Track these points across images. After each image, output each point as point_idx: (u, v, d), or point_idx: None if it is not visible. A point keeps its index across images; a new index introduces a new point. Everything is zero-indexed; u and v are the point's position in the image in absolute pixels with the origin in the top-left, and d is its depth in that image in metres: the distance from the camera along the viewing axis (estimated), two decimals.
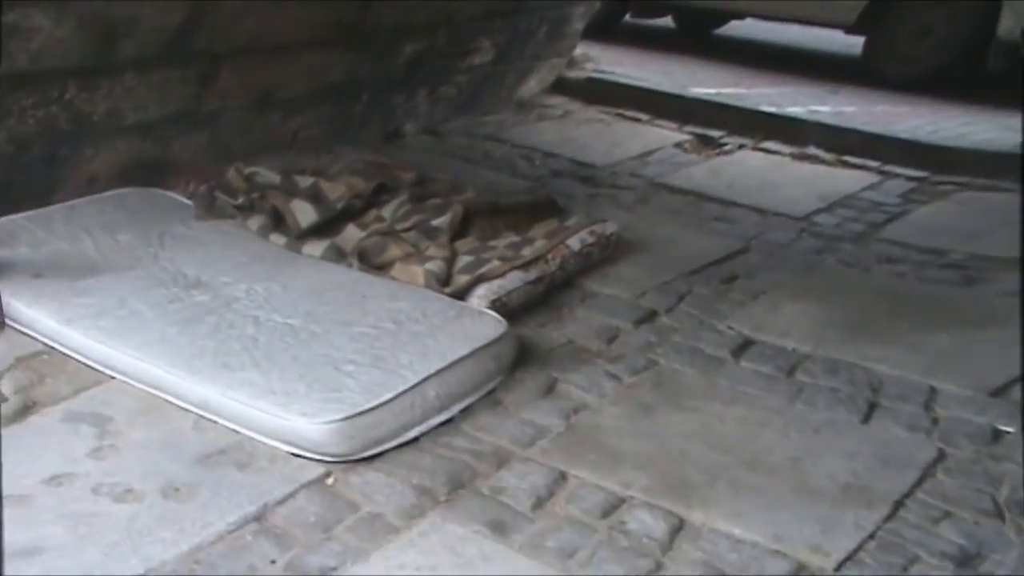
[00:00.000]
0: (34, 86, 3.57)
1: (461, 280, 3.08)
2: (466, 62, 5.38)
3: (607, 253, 3.52)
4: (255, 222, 3.54)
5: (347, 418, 2.36)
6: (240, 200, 3.73)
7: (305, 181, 3.80)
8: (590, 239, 3.42)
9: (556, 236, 3.37)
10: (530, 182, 4.46)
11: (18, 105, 3.56)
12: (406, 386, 2.48)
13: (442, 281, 3.07)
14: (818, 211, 4.32)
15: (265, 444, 2.42)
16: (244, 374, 2.57)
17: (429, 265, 3.10)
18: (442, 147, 5.09)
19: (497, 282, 3.08)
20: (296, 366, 2.59)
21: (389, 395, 2.45)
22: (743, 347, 3.04)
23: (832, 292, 3.45)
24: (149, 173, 4.09)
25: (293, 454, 2.38)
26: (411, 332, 2.77)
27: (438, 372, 2.56)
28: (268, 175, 3.86)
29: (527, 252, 3.26)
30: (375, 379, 2.51)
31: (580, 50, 6.43)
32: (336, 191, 3.68)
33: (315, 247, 3.36)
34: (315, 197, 3.67)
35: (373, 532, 2.11)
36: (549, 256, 3.26)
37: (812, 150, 5.07)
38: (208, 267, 3.27)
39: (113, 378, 2.75)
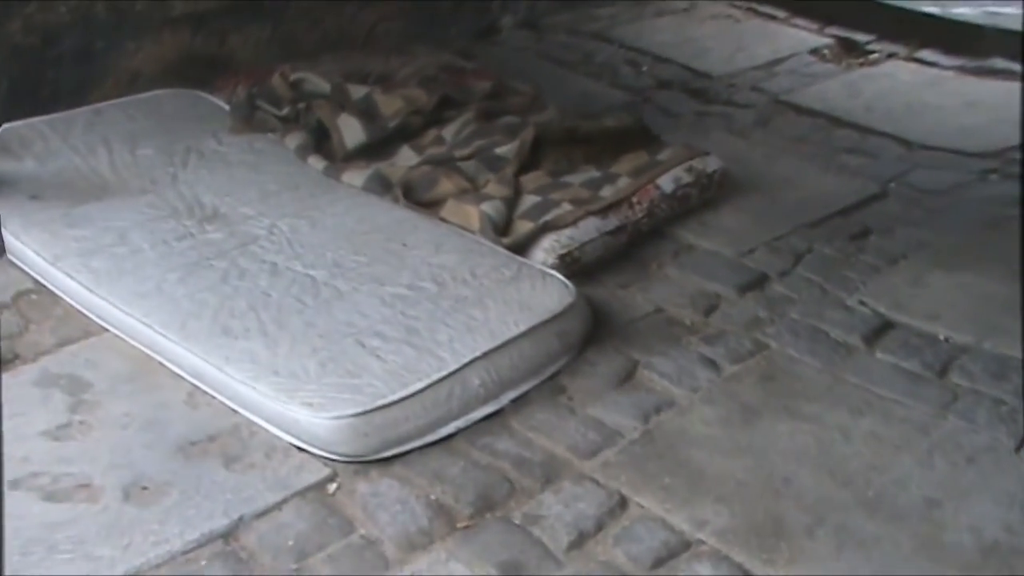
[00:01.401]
0: None
1: (523, 227, 2.67)
2: None
3: (708, 195, 3.01)
4: (294, 139, 3.16)
5: (362, 413, 2.04)
6: (285, 111, 3.34)
7: (358, 91, 3.37)
8: (687, 178, 2.93)
9: (644, 173, 2.89)
10: (630, 95, 3.94)
11: None
12: (443, 373, 2.14)
13: (500, 228, 2.68)
14: (1001, 150, 3.46)
15: (266, 431, 2.13)
16: (246, 344, 2.24)
17: (485, 206, 2.70)
18: (538, 46, 4.58)
19: (567, 231, 2.65)
20: (310, 336, 2.26)
21: (420, 384, 2.11)
22: (879, 332, 2.52)
23: (1006, 262, 2.70)
24: (201, 71, 3.82)
25: (297, 447, 2.07)
26: (455, 297, 2.40)
27: (485, 355, 2.20)
28: (317, 82, 3.46)
29: (607, 193, 2.82)
30: (405, 360, 2.18)
31: None
32: (391, 105, 3.25)
33: (357, 175, 2.95)
34: (367, 112, 3.25)
35: (356, 566, 1.78)
36: (634, 199, 2.80)
37: (996, 62, 4.15)
38: (230, 195, 2.93)
39: (106, 330, 2.46)
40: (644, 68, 4.24)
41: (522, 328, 2.26)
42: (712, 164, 3.00)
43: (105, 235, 2.71)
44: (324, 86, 3.43)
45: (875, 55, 4.44)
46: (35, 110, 3.42)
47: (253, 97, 3.40)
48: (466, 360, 2.16)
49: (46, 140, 3.30)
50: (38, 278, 2.64)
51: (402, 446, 2.06)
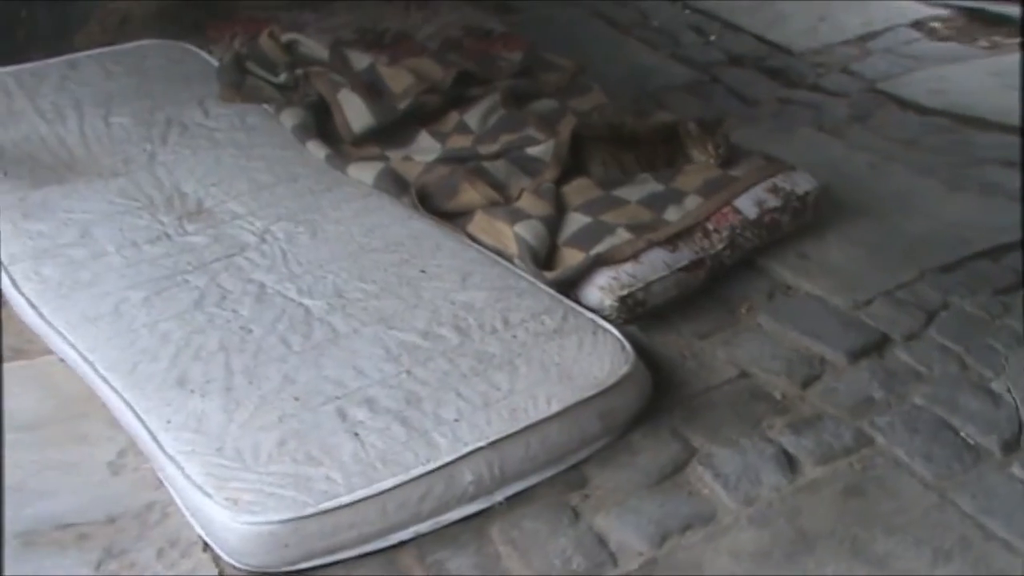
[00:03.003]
0: None
1: (571, 257, 2.31)
2: None
3: (803, 221, 2.58)
4: (291, 117, 2.86)
5: (292, 520, 1.70)
6: (281, 77, 3.03)
7: (360, 61, 3.05)
8: (772, 200, 2.50)
9: (718, 191, 2.49)
10: (694, 72, 3.59)
11: None
12: (427, 468, 1.79)
13: (540, 256, 2.32)
14: None
15: (181, 517, 1.80)
16: (200, 403, 1.92)
17: (520, 228, 2.35)
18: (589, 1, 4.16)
19: (628, 267, 2.26)
20: (283, 398, 1.93)
21: (390, 483, 1.76)
22: None
23: None
24: (197, 16, 3.59)
25: (206, 543, 1.76)
26: (479, 354, 2.04)
27: (494, 443, 1.84)
28: (312, 46, 3.13)
29: (673, 215, 2.44)
30: (388, 445, 1.83)
31: None
32: (400, 81, 2.93)
33: (366, 168, 2.65)
34: (372, 88, 2.94)
35: None
36: (709, 225, 2.41)
37: None
38: (217, 185, 2.66)
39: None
40: (712, 37, 3.87)
41: (555, 408, 1.90)
42: (803, 183, 2.58)
43: (65, 231, 2.44)
44: (321, 51, 3.11)
45: None
46: (11, 53, 3.22)
47: (242, 59, 3.10)
48: (466, 451, 1.81)
49: (10, 98, 3.05)
50: None
51: (330, 556, 1.73)
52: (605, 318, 2.19)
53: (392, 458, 1.79)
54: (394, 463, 1.78)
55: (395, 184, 2.59)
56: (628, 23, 3.96)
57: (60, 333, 2.12)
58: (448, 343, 2.06)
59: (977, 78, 3.45)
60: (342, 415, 1.88)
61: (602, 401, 1.95)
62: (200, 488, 1.73)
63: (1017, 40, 3.70)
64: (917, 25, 3.88)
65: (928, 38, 3.80)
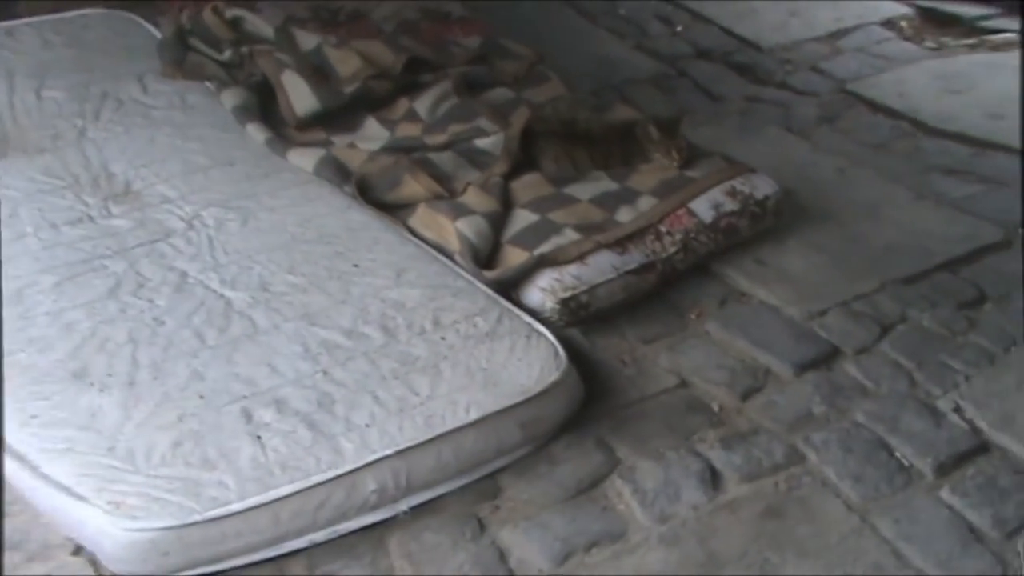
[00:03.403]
0: None
1: (514, 257, 2.22)
2: None
3: (762, 226, 2.48)
4: (231, 97, 2.75)
5: (175, 528, 1.61)
6: (226, 54, 2.93)
7: (308, 41, 2.95)
8: (730, 204, 2.41)
9: (673, 193, 2.40)
10: (660, 64, 3.49)
11: None
12: (328, 475, 1.70)
13: (482, 255, 2.23)
14: None
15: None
16: (96, 398, 1.81)
17: (463, 223, 2.26)
18: None
19: (573, 268, 2.17)
20: (187, 396, 1.83)
21: (286, 491, 1.67)
22: (965, 457, 1.94)
23: None
24: None
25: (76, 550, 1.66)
26: (403, 356, 1.95)
27: (402, 452, 1.75)
28: (258, 23, 3.04)
29: (625, 216, 2.35)
30: (291, 450, 1.74)
31: None
32: (348, 64, 2.83)
33: (306, 155, 2.55)
34: (319, 70, 2.83)
35: None
36: (662, 228, 2.31)
37: None
38: (148, 166, 2.56)
39: None
40: (679, 28, 3.77)
41: (473, 416, 1.81)
42: (763, 187, 2.47)
43: None
44: (266, 29, 3.01)
45: (1001, 35, 3.61)
46: None
47: (185, 34, 2.98)
48: (372, 459, 1.72)
49: None
50: None
51: (215, 565, 1.64)
52: (545, 320, 2.11)
53: (292, 464, 1.70)
54: (294, 469, 1.69)
55: (336, 172, 2.48)
56: (595, 12, 3.85)
57: None
58: (372, 343, 1.96)
59: (931, 81, 3.36)
60: (247, 416, 1.78)
61: (525, 410, 1.86)
62: (67, 490, 1.63)
63: (966, 41, 3.62)
64: (888, 23, 3.77)
65: (897, 36, 3.69)
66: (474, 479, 1.83)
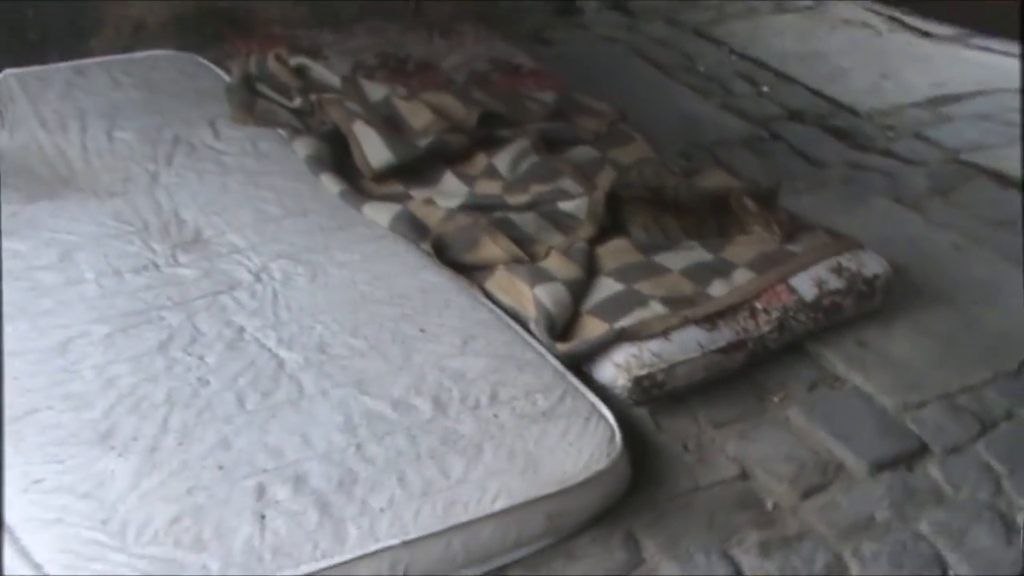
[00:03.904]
0: None
1: (591, 327, 2.08)
2: None
3: (869, 306, 2.33)
4: (304, 146, 2.68)
5: None
6: (296, 101, 2.87)
7: (376, 91, 2.88)
8: (835, 282, 2.26)
9: (772, 267, 2.25)
10: (750, 125, 3.34)
11: None
12: (320, 565, 1.58)
13: (558, 325, 2.09)
14: None
15: None
16: (112, 464, 1.71)
17: (541, 290, 2.13)
18: (630, 36, 4.03)
19: (654, 344, 2.03)
20: (206, 466, 1.72)
21: None
22: None
23: None
24: (216, 26, 3.50)
25: None
26: (446, 433, 1.83)
27: (408, 543, 1.64)
28: (322, 71, 2.99)
29: (719, 290, 2.21)
30: (291, 534, 1.62)
31: None
32: (419, 117, 2.76)
33: (382, 209, 2.47)
34: (390, 121, 2.77)
35: None
36: (758, 304, 2.17)
37: None
38: (220, 214, 2.48)
39: None
40: (765, 88, 3.64)
41: (499, 506, 1.69)
42: (872, 264, 2.32)
43: (46, 251, 2.26)
44: (332, 78, 2.95)
45: None
46: (22, 54, 3.14)
47: (252, 80, 2.94)
48: (374, 548, 1.60)
49: (13, 102, 2.91)
50: None
51: None
52: (613, 398, 1.99)
53: (287, 549, 1.59)
54: (285, 555, 1.58)
55: (412, 229, 2.39)
56: (673, 65, 3.75)
57: None
58: (418, 417, 1.85)
59: None
60: (260, 492, 1.67)
61: (559, 500, 1.73)
62: (38, 567, 1.53)
63: None
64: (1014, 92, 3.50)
65: None
66: (480, 572, 1.70)
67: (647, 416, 2.04)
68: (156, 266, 2.25)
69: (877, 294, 2.33)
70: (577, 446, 1.82)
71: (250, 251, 2.32)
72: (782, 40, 4.07)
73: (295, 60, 3.01)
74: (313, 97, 2.87)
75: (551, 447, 1.81)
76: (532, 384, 1.94)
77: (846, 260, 2.31)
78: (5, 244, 2.27)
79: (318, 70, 2.98)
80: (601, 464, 1.79)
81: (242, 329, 2.05)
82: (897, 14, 4.35)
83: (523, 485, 1.73)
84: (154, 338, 2.00)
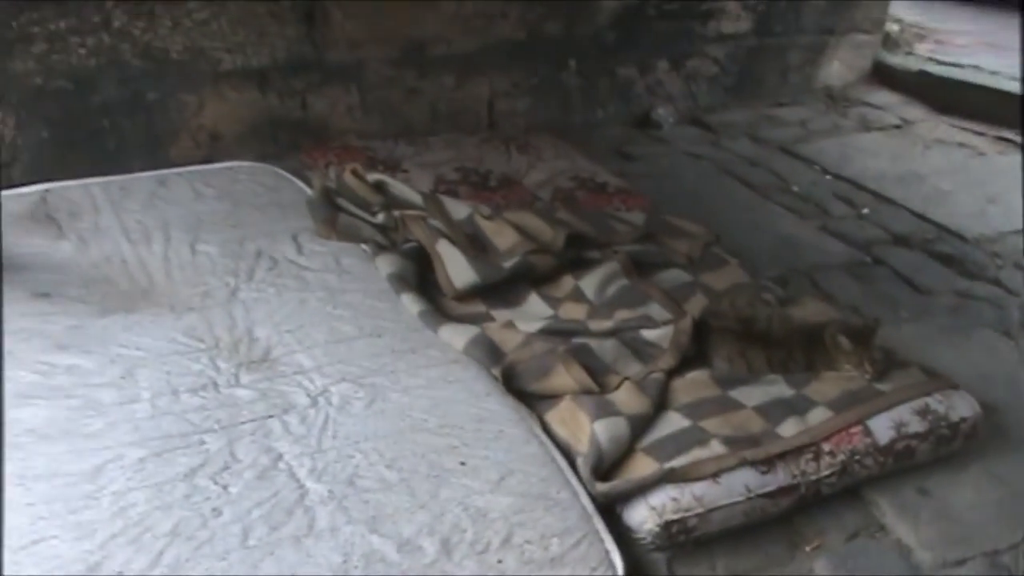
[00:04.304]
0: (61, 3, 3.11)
1: (639, 467, 1.96)
2: (711, 28, 4.26)
3: (948, 450, 2.17)
4: (387, 264, 2.62)
5: None
6: (379, 216, 2.83)
7: (458, 210, 2.82)
8: (917, 424, 2.10)
9: (853, 406, 2.11)
10: (853, 249, 3.17)
11: (44, 28, 3.12)
12: None
13: (605, 465, 1.97)
14: None
15: None
16: None
17: (601, 426, 2.02)
18: (713, 152, 3.93)
19: (697, 488, 1.91)
20: None
21: None
22: None
23: None
24: (293, 136, 3.54)
25: None
26: None
27: None
28: (402, 188, 2.95)
29: (789, 430, 2.06)
30: None
31: (899, 20, 5.02)
32: (504, 238, 2.69)
33: (459, 332, 2.37)
34: (475, 240, 2.70)
35: None
36: (826, 446, 2.02)
37: None
38: (293, 332, 2.42)
39: None
40: (864, 210, 3.48)
41: None
42: (962, 407, 2.16)
43: (109, 368, 2.21)
44: (413, 195, 2.91)
45: None
46: (101, 163, 3.21)
47: (331, 194, 2.91)
48: None
49: (98, 212, 2.91)
50: None
51: None
52: (634, 542, 1.89)
53: None
54: None
55: (487, 354, 2.28)
56: (763, 183, 3.63)
57: (16, 483, 1.86)
58: (420, 559, 1.77)
59: None
60: None
61: None
62: None
63: None
64: None
65: None
66: None
67: (662, 562, 1.91)
68: (215, 386, 2.18)
69: (959, 438, 2.16)
70: None
71: (314, 372, 2.25)
72: (876, 160, 3.93)
73: (372, 176, 2.98)
74: (396, 213, 2.82)
75: None
76: (553, 527, 1.86)
77: (935, 401, 2.15)
78: (55, 358, 2.23)
79: (396, 186, 2.94)
80: None
81: (279, 457, 1.98)
82: (998, 132, 4.20)
83: None
84: (185, 464, 1.94)
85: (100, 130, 3.30)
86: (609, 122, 4.10)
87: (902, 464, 2.11)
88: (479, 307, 2.55)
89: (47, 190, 3.00)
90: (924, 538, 2.01)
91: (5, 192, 3.01)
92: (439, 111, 3.76)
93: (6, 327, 2.34)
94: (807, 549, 1.97)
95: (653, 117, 4.16)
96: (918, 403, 2.13)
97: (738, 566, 1.91)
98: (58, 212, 2.89)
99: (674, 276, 2.64)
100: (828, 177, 3.74)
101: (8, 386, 2.11)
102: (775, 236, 3.21)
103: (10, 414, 2.03)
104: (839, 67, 4.68)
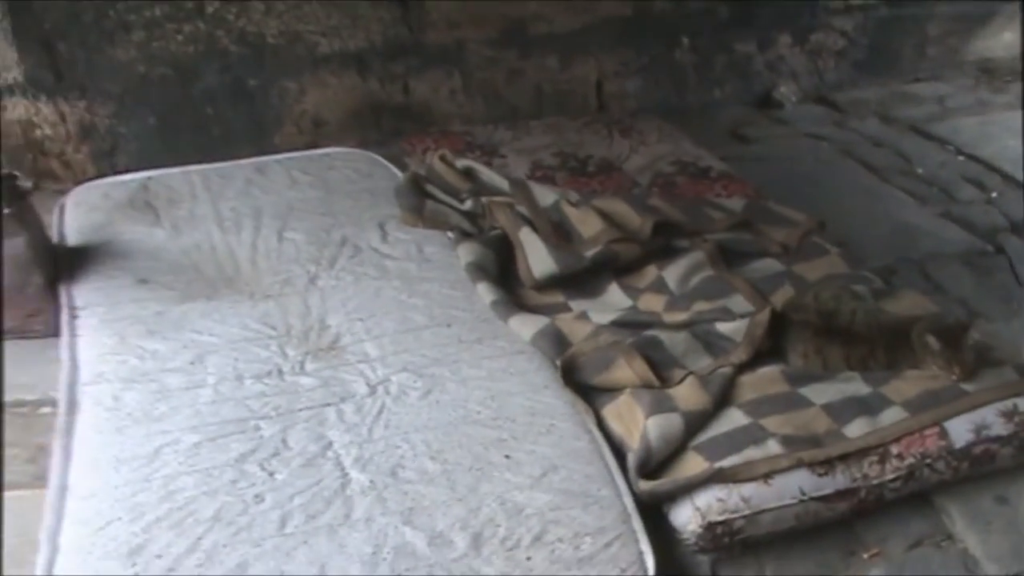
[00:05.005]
0: None
1: (688, 466, 1.89)
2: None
3: None
4: (467, 252, 2.60)
5: None
6: (467, 203, 2.82)
7: (546, 196, 2.77)
8: (1000, 426, 1.95)
9: (932, 408, 1.97)
10: (971, 237, 2.97)
11: (140, 16, 3.23)
12: None
13: (654, 460, 1.91)
14: None
15: None
16: None
17: (654, 423, 1.94)
18: (838, 134, 3.73)
19: (748, 489, 1.83)
20: None
21: None
22: None
23: None
24: (396, 123, 3.57)
25: None
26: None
27: None
28: (490, 175, 2.91)
29: (856, 430, 1.94)
30: None
31: None
32: (589, 225, 2.62)
33: (528, 323, 2.33)
34: (559, 228, 2.64)
35: None
36: (895, 448, 1.90)
37: None
38: (365, 320, 2.44)
39: None
40: (994, 194, 3.24)
41: None
42: None
43: (181, 353, 2.28)
44: (501, 181, 2.86)
45: None
46: (207, 149, 3.30)
47: (420, 180, 2.90)
48: None
49: (195, 199, 3.00)
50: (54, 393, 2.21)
51: None
52: (679, 544, 1.84)
53: None
54: None
55: (554, 345, 2.23)
56: (886, 166, 3.42)
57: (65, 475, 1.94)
58: (448, 554, 1.75)
59: None
60: None
61: None
62: None
63: None
64: None
65: None
66: None
67: (705, 565, 1.84)
68: (280, 373, 2.22)
69: None
70: None
71: (378, 362, 2.26)
72: (1020, 140, 3.65)
73: (461, 162, 2.96)
74: (484, 200, 2.80)
75: None
76: (588, 525, 1.81)
77: None
78: (140, 343, 2.32)
79: (484, 172, 2.91)
80: None
81: (329, 445, 2.01)
82: None
83: None
84: (237, 450, 1.99)
85: (204, 117, 3.40)
86: (727, 103, 3.96)
87: (980, 470, 1.96)
88: (558, 297, 2.50)
89: (149, 177, 3.10)
90: (992, 550, 1.87)
91: (110, 179, 3.14)
92: (544, 94, 3.70)
93: (114, 312, 2.44)
94: (865, 557, 1.87)
95: (775, 96, 4.00)
96: (1005, 404, 1.97)
97: (788, 571, 1.84)
98: (157, 199, 2.99)
99: (765, 267, 2.52)
100: (960, 158, 3.50)
101: (120, 369, 2.23)
102: (890, 223, 3.03)
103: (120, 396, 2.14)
104: (1005, 37, 4.32)
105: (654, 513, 1.87)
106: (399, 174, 3.11)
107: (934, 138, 3.66)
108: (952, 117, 3.84)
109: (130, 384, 2.16)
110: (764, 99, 3.98)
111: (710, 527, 1.79)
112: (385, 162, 3.20)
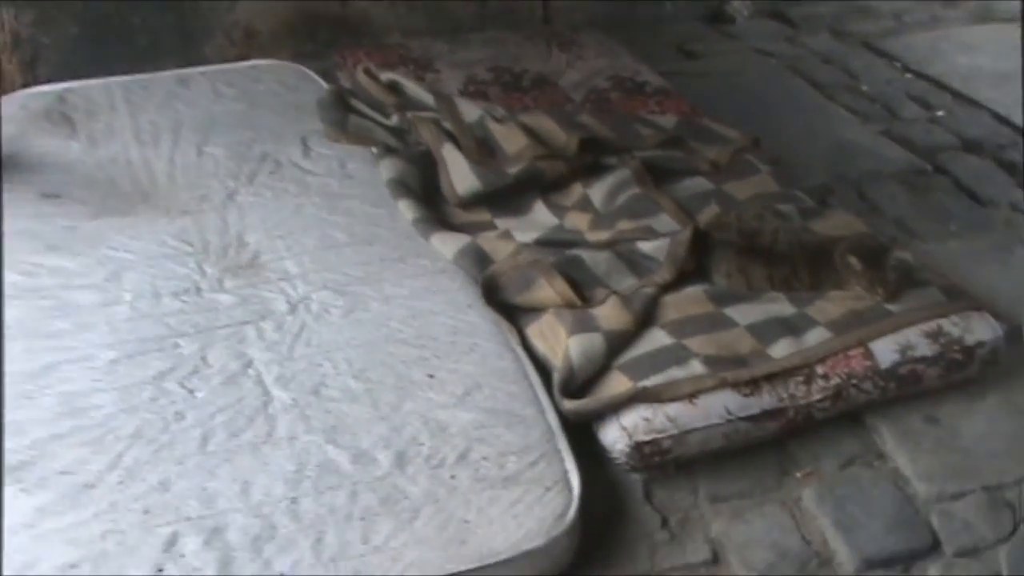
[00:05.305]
0: None
1: (613, 386, 1.88)
2: None
3: (961, 375, 2.01)
4: (388, 169, 2.55)
5: None
6: (393, 119, 2.75)
7: (471, 111, 2.70)
8: (926, 347, 1.95)
9: (856, 328, 1.97)
10: (911, 156, 2.94)
11: None
12: None
13: (578, 380, 1.91)
14: None
15: None
16: (41, 497, 1.68)
17: (576, 342, 1.93)
18: (788, 49, 3.69)
19: (671, 409, 1.82)
20: (129, 511, 1.67)
21: None
22: None
23: None
24: (331, 35, 3.46)
25: None
26: (388, 494, 1.72)
27: None
28: (415, 89, 2.84)
29: (781, 350, 1.94)
30: None
31: None
32: (513, 142, 2.56)
33: (450, 241, 2.29)
34: (484, 144, 2.58)
35: None
36: (820, 369, 1.89)
37: None
38: (284, 237, 2.39)
39: None
40: (939, 112, 3.22)
41: None
42: (981, 331, 1.98)
43: (95, 270, 2.23)
44: (426, 96, 2.80)
45: None
46: (131, 60, 3.18)
47: (345, 95, 2.82)
48: None
49: (114, 112, 2.92)
50: None
51: None
52: (611, 462, 1.84)
53: None
54: None
55: (476, 264, 2.19)
56: (833, 84, 3.38)
57: None
58: (372, 472, 1.74)
59: None
60: (171, 542, 1.61)
61: None
62: None
63: None
64: None
65: None
66: None
67: (638, 484, 1.85)
68: (198, 290, 2.18)
69: (974, 364, 1.99)
70: (520, 519, 1.67)
71: (299, 279, 2.22)
72: (972, 56, 3.60)
73: (385, 76, 2.88)
74: (410, 115, 2.73)
75: (492, 518, 1.67)
76: (512, 444, 1.81)
77: (950, 324, 1.98)
78: (44, 259, 2.25)
79: (409, 87, 2.84)
80: (536, 542, 1.64)
81: (249, 362, 1.98)
82: None
83: (440, 558, 1.60)
84: (155, 367, 1.95)
85: (130, 27, 3.28)
86: (679, 17, 3.88)
87: (908, 390, 1.97)
88: (484, 215, 2.46)
89: (68, 88, 3.00)
90: (922, 469, 1.88)
91: (28, 91, 3.04)
92: (489, 6, 3.60)
93: (8, 227, 2.37)
94: (797, 475, 1.88)
95: (726, 10, 3.91)
96: (930, 325, 1.97)
97: (721, 491, 1.84)
98: (75, 111, 2.90)
99: (694, 185, 2.49)
100: (908, 75, 3.45)
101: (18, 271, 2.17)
102: (830, 141, 3.00)
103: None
104: None
105: (583, 433, 1.86)
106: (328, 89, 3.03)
107: (885, 54, 3.61)
108: (906, 33, 3.82)
109: (11, 301, 2.09)
110: (717, 13, 3.89)
111: (638, 446, 1.79)
112: (314, 75, 3.11)
